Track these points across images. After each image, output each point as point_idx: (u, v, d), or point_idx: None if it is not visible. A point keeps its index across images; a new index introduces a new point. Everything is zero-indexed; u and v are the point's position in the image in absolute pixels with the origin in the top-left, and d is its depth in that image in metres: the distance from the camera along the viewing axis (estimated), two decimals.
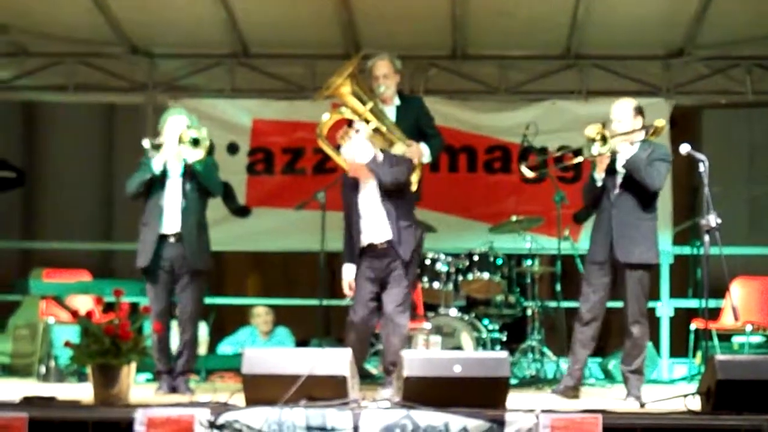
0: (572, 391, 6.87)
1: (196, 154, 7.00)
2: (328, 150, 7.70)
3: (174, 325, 7.42)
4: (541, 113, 9.31)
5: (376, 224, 6.91)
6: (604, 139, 6.74)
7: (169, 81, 9.77)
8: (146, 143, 7.06)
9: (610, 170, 6.82)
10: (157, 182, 7.07)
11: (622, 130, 6.80)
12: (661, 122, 6.93)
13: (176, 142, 7.02)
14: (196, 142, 7.01)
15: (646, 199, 6.76)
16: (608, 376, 8.52)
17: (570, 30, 9.22)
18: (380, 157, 6.95)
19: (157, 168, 7.03)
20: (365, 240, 6.93)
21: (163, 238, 7.03)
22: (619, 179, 6.79)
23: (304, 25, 9.17)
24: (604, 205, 6.87)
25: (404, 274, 6.87)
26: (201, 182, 7.10)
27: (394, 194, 6.91)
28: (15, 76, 9.78)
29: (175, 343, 7.26)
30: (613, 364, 8.36)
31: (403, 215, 6.93)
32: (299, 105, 9.58)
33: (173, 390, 6.99)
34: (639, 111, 6.86)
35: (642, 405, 6.29)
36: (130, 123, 10.70)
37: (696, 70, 9.61)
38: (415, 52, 9.36)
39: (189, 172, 7.09)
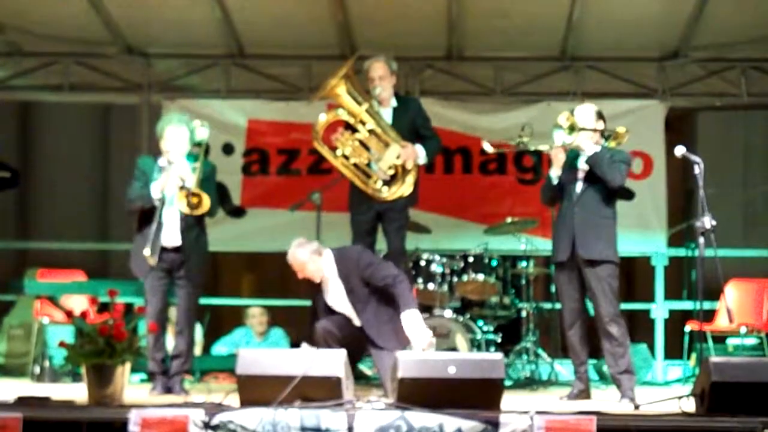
0: (584, 394, 6.92)
1: (199, 210, 6.93)
2: (324, 151, 7.71)
3: (169, 326, 7.42)
4: (537, 115, 9.28)
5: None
6: (572, 129, 6.79)
7: (165, 81, 9.76)
8: (147, 252, 6.88)
9: (571, 168, 6.87)
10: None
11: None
12: (623, 129, 7.04)
13: (178, 199, 6.91)
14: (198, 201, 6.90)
15: (607, 197, 6.81)
16: (602, 378, 8.51)
17: (565, 32, 9.23)
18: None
19: (156, 195, 6.94)
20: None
21: (162, 249, 6.97)
22: (581, 175, 6.84)
23: (300, 25, 9.16)
24: (565, 205, 6.91)
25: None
26: None
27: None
28: (10, 76, 9.76)
29: (170, 343, 7.25)
30: None
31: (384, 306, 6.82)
32: (295, 106, 9.58)
33: (168, 390, 6.98)
34: (600, 116, 6.94)
35: (636, 407, 6.28)
36: (125, 123, 10.69)
37: (691, 72, 9.61)
38: (411, 53, 9.37)
39: None
